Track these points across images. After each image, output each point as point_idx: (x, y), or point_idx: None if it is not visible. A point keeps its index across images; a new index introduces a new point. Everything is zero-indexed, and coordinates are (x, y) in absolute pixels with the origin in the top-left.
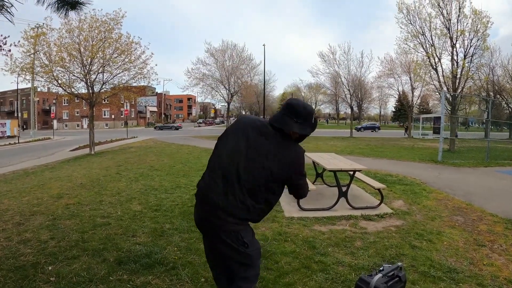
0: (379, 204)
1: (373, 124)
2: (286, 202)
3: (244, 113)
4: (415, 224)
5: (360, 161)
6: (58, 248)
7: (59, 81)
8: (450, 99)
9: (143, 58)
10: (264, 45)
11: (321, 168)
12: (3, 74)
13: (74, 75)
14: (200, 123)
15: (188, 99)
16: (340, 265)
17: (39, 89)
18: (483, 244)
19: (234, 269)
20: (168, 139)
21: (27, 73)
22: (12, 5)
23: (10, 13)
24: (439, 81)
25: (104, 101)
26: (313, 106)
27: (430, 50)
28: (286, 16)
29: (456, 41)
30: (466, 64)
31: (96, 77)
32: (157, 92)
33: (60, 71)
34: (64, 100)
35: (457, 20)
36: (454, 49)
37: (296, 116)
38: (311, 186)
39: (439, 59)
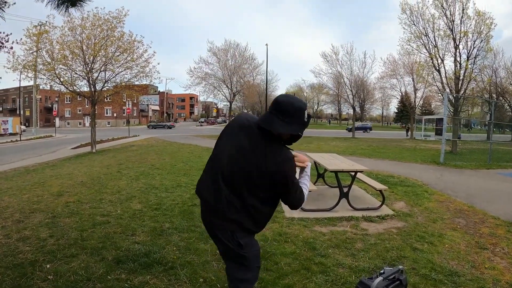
0: (381, 206)
1: (364, 125)
2: None
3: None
4: (417, 226)
5: (361, 161)
6: (57, 246)
7: (61, 79)
8: (453, 101)
9: (145, 57)
10: (266, 44)
11: (323, 169)
12: (5, 71)
13: (76, 73)
14: (202, 122)
15: (190, 98)
16: (340, 267)
17: (41, 87)
18: (485, 247)
19: (231, 267)
20: (169, 138)
21: (29, 70)
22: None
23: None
24: (442, 83)
25: (106, 99)
26: (315, 107)
27: (433, 51)
28: (289, 16)
29: (459, 42)
30: (469, 66)
31: (98, 75)
32: (159, 91)
33: (62, 69)
34: (67, 98)
35: (461, 21)
36: (457, 50)
37: (283, 114)
38: (312, 186)
39: (442, 60)
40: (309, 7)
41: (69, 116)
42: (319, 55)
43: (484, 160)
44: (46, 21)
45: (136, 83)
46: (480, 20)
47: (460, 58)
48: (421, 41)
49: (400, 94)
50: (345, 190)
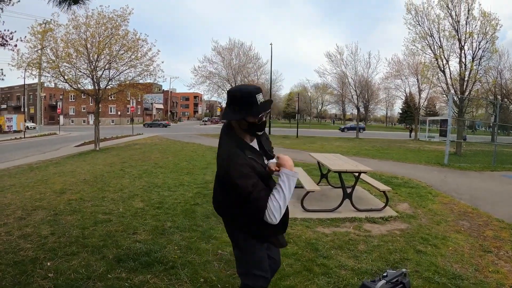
0: (384, 207)
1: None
2: (290, 203)
3: None
4: (420, 228)
5: (365, 162)
6: (58, 244)
7: (66, 77)
8: (458, 102)
9: (149, 55)
10: (271, 44)
11: (326, 169)
12: (10, 69)
13: (80, 71)
14: (205, 121)
15: (195, 97)
16: (342, 268)
17: (46, 85)
18: (489, 250)
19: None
20: (173, 137)
21: (33, 68)
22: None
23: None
24: (447, 83)
25: (110, 97)
26: (320, 107)
27: (438, 52)
28: (294, 15)
29: (465, 43)
30: (474, 67)
31: (102, 74)
32: (163, 89)
33: (66, 67)
34: (71, 96)
35: (466, 22)
36: (463, 51)
37: (232, 102)
38: (315, 187)
39: (447, 61)
40: (314, 7)
41: (73, 114)
42: (323, 55)
43: (488, 162)
44: (51, 19)
45: (140, 81)
46: (485, 20)
47: (465, 59)
48: (426, 41)
49: (405, 94)
50: (349, 190)
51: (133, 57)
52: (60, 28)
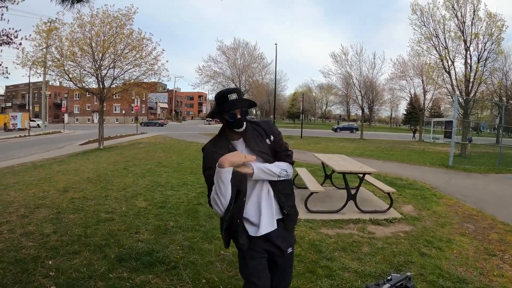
0: (388, 209)
1: (351, 125)
2: None
3: (254, 112)
4: (425, 231)
5: (369, 163)
6: (60, 242)
7: (70, 76)
8: (463, 103)
9: (154, 54)
10: (276, 44)
11: (330, 170)
12: (15, 67)
13: (85, 70)
14: (209, 120)
15: (199, 96)
16: (346, 271)
17: (50, 83)
18: (494, 253)
19: None
20: (177, 136)
21: (38, 66)
22: None
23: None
24: (452, 85)
25: (115, 96)
26: (324, 107)
27: (444, 52)
28: (298, 15)
29: (470, 44)
30: (480, 68)
31: (107, 72)
32: (168, 88)
33: (71, 66)
34: (76, 94)
35: (472, 22)
36: (468, 52)
37: (215, 102)
38: (319, 188)
39: (453, 62)
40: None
41: (78, 112)
42: (328, 55)
43: (493, 164)
44: (56, 18)
45: (145, 80)
46: (491, 21)
47: (471, 60)
48: (432, 42)
49: (409, 95)
50: (353, 192)
51: (137, 56)
52: (65, 27)
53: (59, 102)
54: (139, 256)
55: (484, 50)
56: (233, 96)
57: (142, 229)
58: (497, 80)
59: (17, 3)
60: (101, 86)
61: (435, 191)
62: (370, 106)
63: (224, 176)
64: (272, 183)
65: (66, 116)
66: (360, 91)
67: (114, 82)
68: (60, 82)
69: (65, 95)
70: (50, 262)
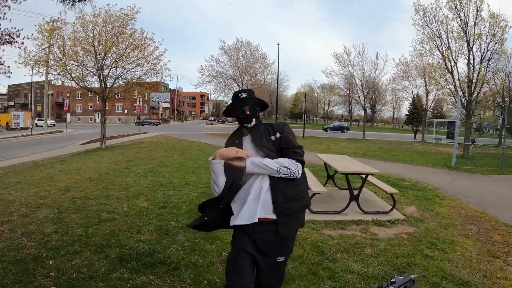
0: (391, 210)
1: (341, 125)
2: None
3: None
4: (428, 232)
5: (372, 164)
6: (60, 242)
7: (72, 75)
8: (466, 104)
9: (156, 54)
10: (278, 44)
11: (333, 170)
12: (17, 66)
13: (87, 69)
14: (212, 120)
15: (201, 96)
16: (349, 272)
17: (53, 82)
18: (497, 255)
19: None
20: (180, 136)
21: (40, 66)
22: None
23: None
24: (455, 85)
25: (117, 96)
26: (326, 107)
27: (446, 53)
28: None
29: (473, 44)
30: (483, 69)
31: (109, 72)
32: (170, 88)
33: (73, 65)
34: (78, 94)
35: (475, 23)
36: (471, 52)
37: None
38: (321, 188)
39: (455, 63)
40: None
41: (80, 111)
42: (330, 55)
43: (496, 165)
44: (58, 18)
45: (147, 80)
46: (494, 22)
47: (474, 61)
48: (434, 42)
49: (412, 96)
50: (356, 192)
51: (140, 55)
52: (67, 26)
53: (62, 101)
54: (140, 256)
55: (487, 50)
56: (244, 95)
57: (143, 229)
58: (499, 81)
59: (19, 3)
60: (103, 86)
61: (438, 192)
62: (373, 106)
63: (213, 167)
64: (273, 180)
65: (68, 115)
66: (362, 92)
67: (116, 81)
68: (63, 82)
69: (68, 95)
70: (50, 262)
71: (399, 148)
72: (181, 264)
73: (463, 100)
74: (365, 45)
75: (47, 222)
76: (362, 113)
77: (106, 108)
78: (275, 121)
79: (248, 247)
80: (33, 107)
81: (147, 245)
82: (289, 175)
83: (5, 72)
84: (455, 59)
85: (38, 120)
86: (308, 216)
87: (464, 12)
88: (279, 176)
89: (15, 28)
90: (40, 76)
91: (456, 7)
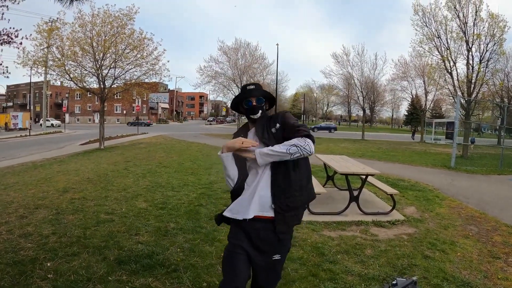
0: (391, 210)
1: (329, 125)
2: None
3: None
4: (428, 233)
5: (371, 164)
6: (59, 244)
7: (71, 75)
8: (465, 104)
9: (155, 54)
10: (277, 44)
11: (332, 171)
12: (16, 67)
13: (86, 70)
14: (210, 121)
15: (200, 96)
16: (349, 274)
17: (52, 83)
18: (498, 256)
19: None
20: (179, 136)
21: (39, 66)
22: None
23: None
24: (454, 86)
25: (116, 96)
26: (325, 108)
27: (446, 53)
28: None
29: (472, 45)
30: (482, 69)
31: (108, 72)
32: (169, 89)
33: (72, 65)
34: (77, 94)
35: (474, 23)
36: (470, 53)
37: None
38: (321, 189)
39: (455, 63)
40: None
41: (79, 112)
42: (329, 55)
43: (495, 166)
44: (57, 18)
45: (146, 80)
46: (493, 22)
47: (473, 61)
48: (433, 43)
49: (411, 96)
50: (355, 193)
51: (138, 56)
52: (66, 27)
53: (60, 102)
54: (139, 258)
55: (486, 51)
56: (251, 87)
57: (142, 231)
58: (498, 81)
59: (18, 3)
60: (102, 86)
61: (438, 192)
62: (372, 106)
63: (223, 159)
64: (273, 173)
65: (67, 116)
66: (361, 92)
67: (115, 82)
68: (61, 82)
69: (66, 95)
70: (48, 264)
71: (398, 148)
72: (180, 266)
73: (462, 101)
74: (364, 46)
75: (45, 223)
76: (361, 113)
77: (105, 109)
78: None
79: (244, 244)
80: (31, 107)
81: (146, 246)
82: (301, 153)
83: (3, 72)
84: (454, 60)
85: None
86: (308, 217)
87: (463, 13)
88: (292, 158)
89: (13, 28)
90: (38, 77)
91: (455, 8)
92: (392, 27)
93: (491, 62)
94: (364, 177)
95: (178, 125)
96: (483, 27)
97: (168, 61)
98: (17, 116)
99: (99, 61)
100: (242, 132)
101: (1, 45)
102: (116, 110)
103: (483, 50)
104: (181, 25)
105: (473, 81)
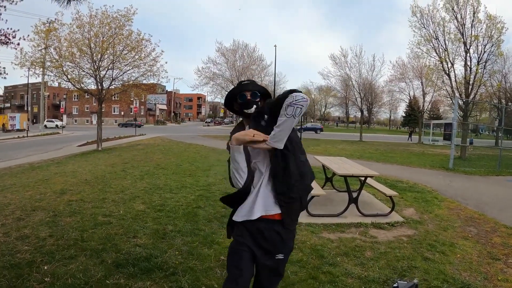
0: (390, 212)
1: (315, 125)
2: None
3: None
4: (427, 234)
5: (369, 165)
6: (56, 247)
7: (69, 76)
8: (463, 106)
9: (153, 56)
10: (275, 46)
11: (331, 172)
12: (13, 67)
13: (83, 71)
14: (208, 122)
15: (198, 98)
16: (349, 276)
17: (49, 84)
18: (497, 257)
19: None
20: (176, 138)
21: (37, 67)
22: None
23: None
24: (452, 87)
25: (114, 97)
26: (323, 109)
27: (443, 55)
28: (298, 17)
29: (470, 46)
30: (480, 70)
31: (105, 73)
32: (167, 90)
33: (69, 66)
34: (74, 95)
35: (471, 25)
36: (468, 54)
37: None
38: (320, 191)
39: (452, 64)
40: (318, 9)
41: (77, 113)
42: (327, 57)
43: (493, 167)
44: (55, 18)
45: (144, 82)
46: (491, 24)
47: (471, 62)
48: (431, 44)
49: (409, 98)
50: (354, 195)
51: (136, 57)
52: (64, 28)
53: (58, 103)
54: (136, 261)
55: (484, 52)
56: (246, 82)
57: (140, 233)
58: (496, 82)
59: (16, 3)
60: (100, 87)
61: (436, 193)
62: (369, 108)
63: (234, 151)
64: (272, 167)
65: (64, 117)
66: (359, 93)
67: (112, 83)
68: (59, 83)
69: (64, 96)
70: (45, 267)
71: (396, 149)
72: (179, 269)
73: (460, 102)
74: (362, 47)
75: (42, 225)
76: (359, 114)
77: (103, 110)
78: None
79: (249, 242)
80: (29, 108)
81: (143, 249)
82: (298, 106)
83: (1, 73)
84: (452, 61)
85: (47, 121)
86: (307, 219)
87: (461, 14)
88: (296, 117)
89: (11, 28)
90: (36, 78)
91: (453, 9)
92: (390, 28)
93: (488, 64)
94: (363, 178)
95: (176, 126)
96: (481, 29)
97: (166, 62)
98: (15, 117)
99: (97, 62)
100: (238, 130)
101: None
102: (114, 112)
103: (481, 51)
104: (181, 24)
105: (471, 82)
